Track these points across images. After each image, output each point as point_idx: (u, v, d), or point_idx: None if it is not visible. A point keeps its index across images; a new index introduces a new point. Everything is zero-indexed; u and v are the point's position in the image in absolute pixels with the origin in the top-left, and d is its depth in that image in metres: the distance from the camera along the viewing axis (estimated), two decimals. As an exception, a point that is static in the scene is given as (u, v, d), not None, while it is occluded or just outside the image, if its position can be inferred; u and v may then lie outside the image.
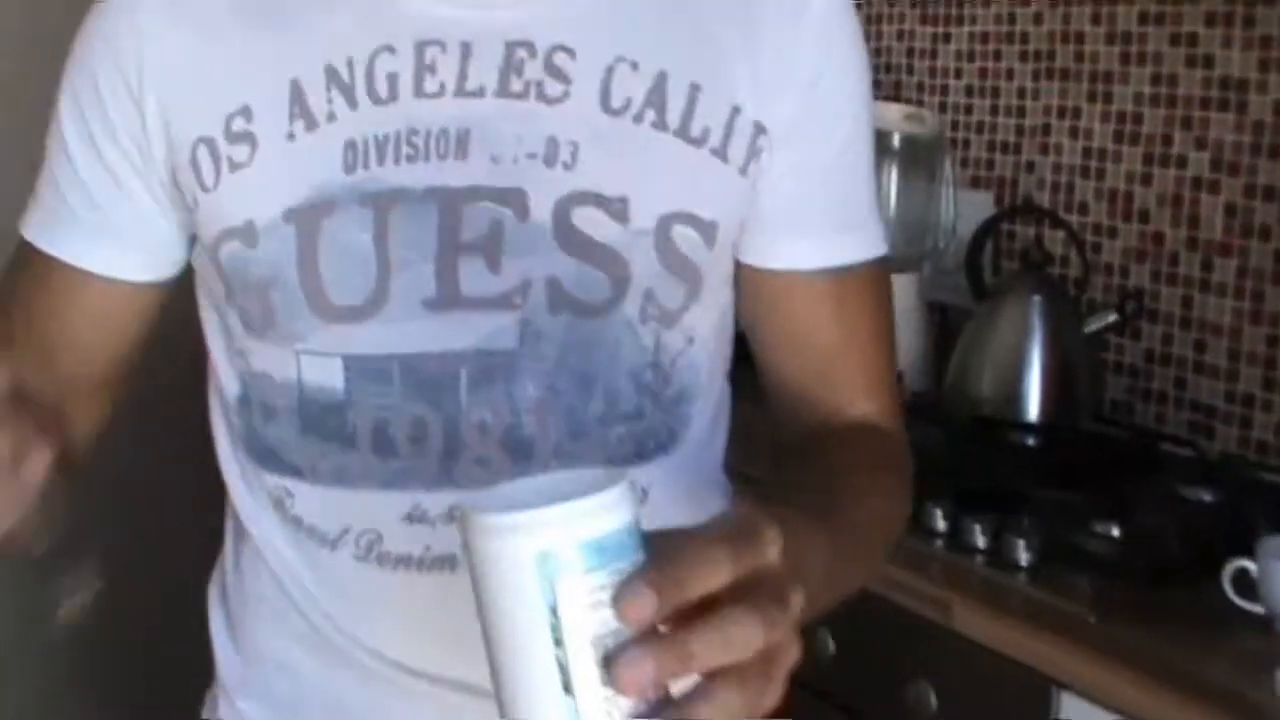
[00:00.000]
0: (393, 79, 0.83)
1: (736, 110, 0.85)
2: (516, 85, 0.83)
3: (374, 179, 0.82)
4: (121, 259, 0.89)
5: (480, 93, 0.83)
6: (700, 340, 0.89)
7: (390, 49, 0.83)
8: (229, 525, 0.98)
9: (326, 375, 0.84)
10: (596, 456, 0.85)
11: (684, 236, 0.84)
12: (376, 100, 0.82)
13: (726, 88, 0.85)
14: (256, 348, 0.87)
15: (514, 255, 0.82)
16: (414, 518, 0.85)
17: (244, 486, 0.93)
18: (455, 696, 0.86)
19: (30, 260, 0.91)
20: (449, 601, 0.80)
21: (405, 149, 0.82)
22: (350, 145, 0.82)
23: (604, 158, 0.83)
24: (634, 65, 0.84)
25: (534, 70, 0.83)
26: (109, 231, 0.88)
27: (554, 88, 0.83)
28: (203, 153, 0.84)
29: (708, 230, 0.85)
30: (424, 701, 0.89)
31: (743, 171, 0.86)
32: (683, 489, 0.90)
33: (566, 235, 0.82)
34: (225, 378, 0.92)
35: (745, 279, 0.91)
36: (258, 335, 0.87)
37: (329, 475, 0.86)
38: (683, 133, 0.84)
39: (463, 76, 0.83)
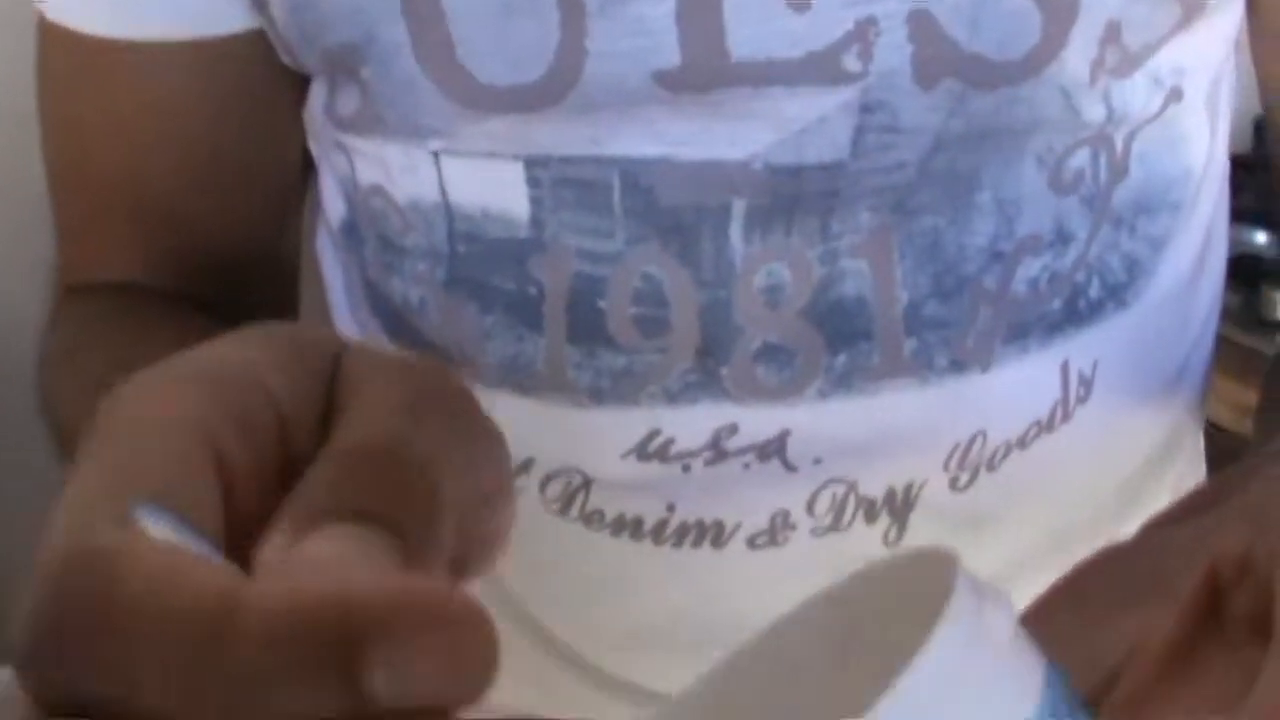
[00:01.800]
0: None
1: None
2: None
3: None
4: None
5: None
6: (1192, 92, 0.46)
7: None
8: None
9: (494, 191, 0.45)
10: (984, 327, 0.45)
11: None
12: None
13: None
14: (360, 146, 0.48)
15: None
16: (648, 453, 0.47)
17: None
18: None
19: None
20: (703, 593, 0.50)
21: None
22: None
23: None
24: None
25: None
26: None
27: None
28: None
29: None
30: None
31: None
32: (1148, 377, 0.49)
33: None
34: (326, 189, 0.53)
35: None
36: (359, 129, 0.47)
37: (497, 371, 0.48)
38: None
39: None
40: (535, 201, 0.44)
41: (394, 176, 0.47)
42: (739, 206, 0.43)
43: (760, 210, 0.43)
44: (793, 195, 0.42)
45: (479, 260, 0.46)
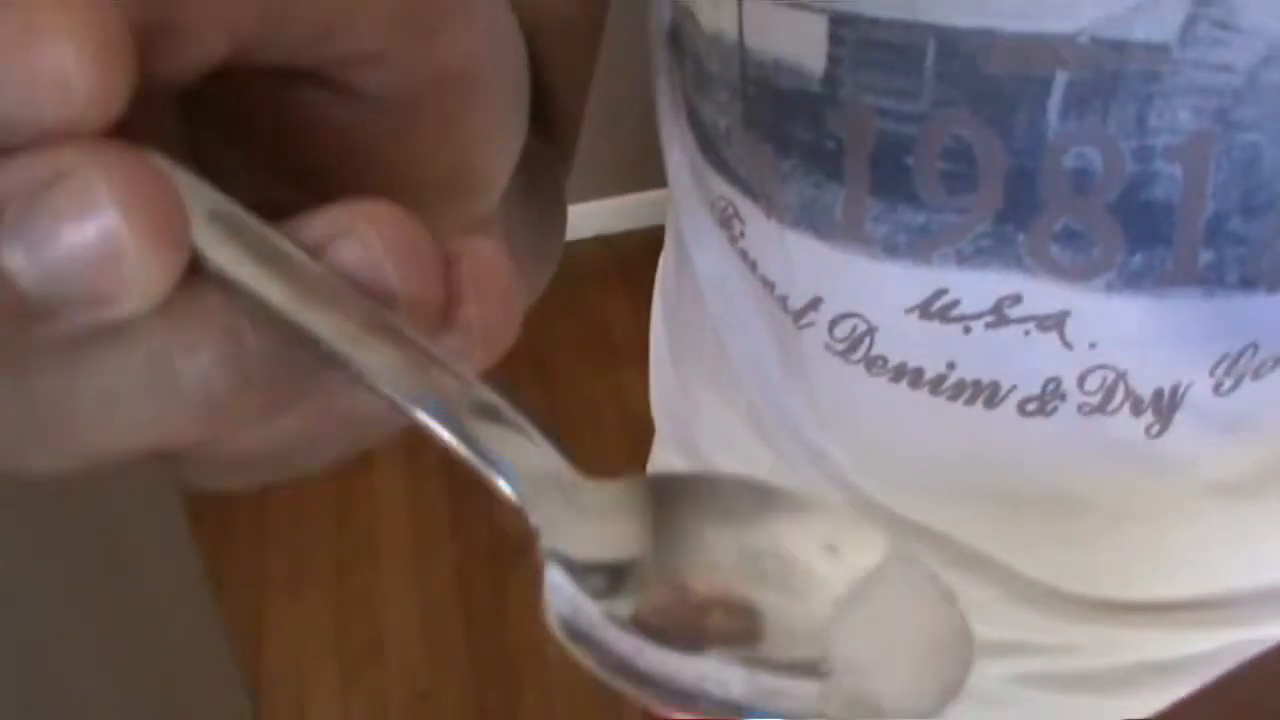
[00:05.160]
0: None
1: None
2: None
3: None
4: None
5: None
6: None
7: None
8: (669, 219, 0.64)
9: (792, 42, 0.45)
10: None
11: None
12: None
13: None
14: None
15: None
16: (931, 311, 0.48)
17: (687, 177, 0.56)
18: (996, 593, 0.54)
19: None
20: (969, 450, 0.51)
21: None
22: None
23: None
24: None
25: None
26: None
27: None
28: None
29: None
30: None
31: None
32: None
33: None
34: None
35: None
36: None
37: (795, 211, 0.49)
38: None
39: None
40: (833, 59, 0.44)
41: (699, 2, 0.48)
42: (1061, 79, 0.42)
43: (1081, 85, 0.42)
44: (1114, 73, 0.42)
45: (771, 106, 0.47)
